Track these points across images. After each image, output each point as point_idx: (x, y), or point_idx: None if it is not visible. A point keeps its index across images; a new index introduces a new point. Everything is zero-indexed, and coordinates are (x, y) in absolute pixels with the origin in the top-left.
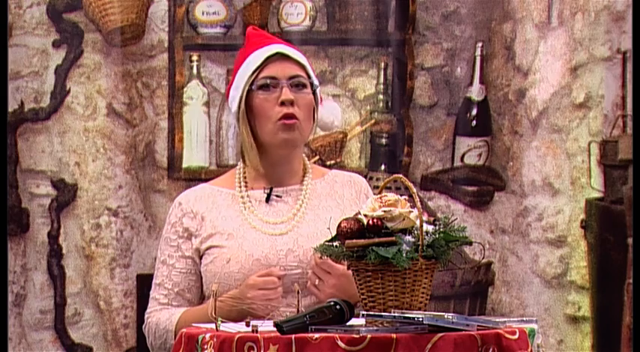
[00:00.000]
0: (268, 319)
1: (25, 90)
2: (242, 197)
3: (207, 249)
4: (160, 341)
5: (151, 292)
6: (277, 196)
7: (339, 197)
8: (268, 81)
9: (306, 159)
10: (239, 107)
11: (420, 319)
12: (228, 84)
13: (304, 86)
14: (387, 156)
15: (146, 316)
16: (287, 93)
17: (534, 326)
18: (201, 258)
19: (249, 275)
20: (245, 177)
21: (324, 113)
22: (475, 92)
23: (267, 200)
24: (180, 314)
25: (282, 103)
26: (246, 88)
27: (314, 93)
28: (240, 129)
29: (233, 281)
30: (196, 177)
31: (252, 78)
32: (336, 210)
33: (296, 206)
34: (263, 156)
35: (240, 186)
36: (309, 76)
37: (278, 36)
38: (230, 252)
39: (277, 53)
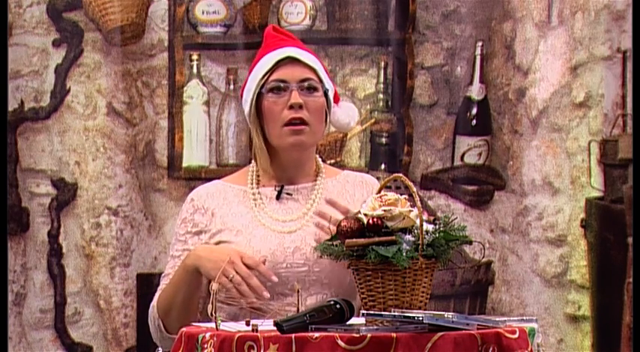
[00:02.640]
0: (268, 318)
1: (25, 90)
2: (253, 193)
3: (217, 244)
4: (151, 322)
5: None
6: (288, 194)
7: (350, 197)
8: (278, 84)
9: (319, 159)
10: (250, 109)
11: (420, 318)
12: (242, 85)
13: (315, 89)
14: (387, 156)
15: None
16: (296, 97)
17: (534, 325)
18: None
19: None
20: (257, 175)
21: (340, 114)
22: (475, 91)
23: (278, 197)
24: (161, 290)
25: (291, 107)
26: (257, 90)
27: (326, 96)
28: (251, 132)
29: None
30: (196, 176)
31: (263, 81)
32: None
33: (307, 205)
34: (274, 157)
35: (252, 183)
36: (320, 80)
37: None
38: (238, 248)
39: (288, 57)
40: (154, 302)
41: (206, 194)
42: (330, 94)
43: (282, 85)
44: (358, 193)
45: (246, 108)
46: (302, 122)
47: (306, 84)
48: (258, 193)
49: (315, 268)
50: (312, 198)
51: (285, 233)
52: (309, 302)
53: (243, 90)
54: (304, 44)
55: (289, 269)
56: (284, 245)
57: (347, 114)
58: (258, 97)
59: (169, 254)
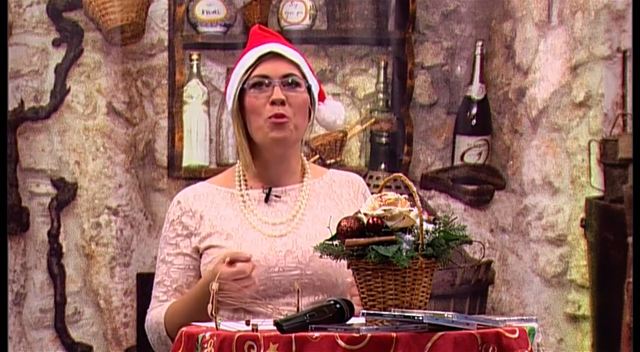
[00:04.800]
0: (267, 318)
1: (25, 89)
2: (242, 195)
3: (207, 248)
4: (155, 336)
5: (152, 291)
6: (276, 196)
7: (337, 197)
8: (261, 80)
9: (304, 158)
10: (232, 106)
11: (420, 318)
12: (226, 83)
13: (297, 85)
14: (387, 155)
15: (147, 315)
16: (278, 93)
17: (534, 325)
18: (200, 256)
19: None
20: (244, 176)
21: (326, 112)
22: (475, 91)
23: (267, 200)
24: (168, 305)
25: (273, 102)
26: (239, 86)
27: (309, 92)
28: (233, 128)
29: (232, 281)
30: (196, 176)
31: (245, 77)
32: (334, 210)
33: (295, 207)
34: (258, 155)
35: (239, 185)
36: (303, 75)
37: (279, 34)
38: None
39: (270, 52)
40: (159, 319)
41: (193, 196)
42: (314, 90)
43: (264, 80)
44: (345, 193)
45: (229, 104)
46: (284, 117)
47: (289, 79)
48: (247, 195)
49: (307, 271)
50: (299, 200)
51: (276, 236)
52: (303, 303)
53: (226, 88)
54: (301, 43)
55: (281, 273)
56: (276, 249)
57: (333, 112)
58: (241, 93)
59: (159, 258)
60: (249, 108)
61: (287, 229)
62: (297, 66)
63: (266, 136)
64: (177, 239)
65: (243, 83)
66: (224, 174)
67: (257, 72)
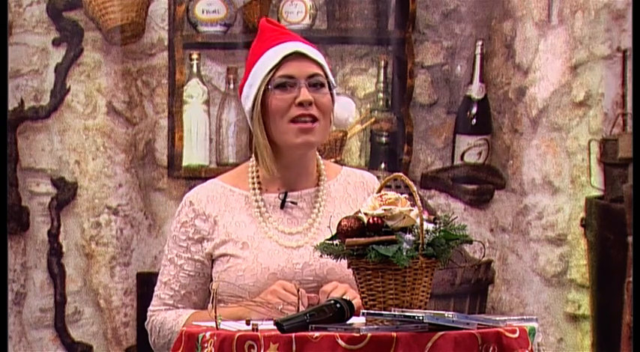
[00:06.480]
0: (268, 319)
1: (25, 89)
2: (256, 200)
3: (220, 256)
4: (163, 341)
5: (155, 288)
6: (292, 203)
7: (352, 201)
8: (286, 80)
9: (320, 159)
10: (253, 106)
11: (421, 317)
12: (242, 81)
13: (322, 85)
14: (387, 155)
15: (149, 313)
16: (305, 94)
17: (534, 324)
18: (212, 262)
19: (264, 289)
20: (258, 177)
21: (337, 109)
22: (475, 90)
23: (282, 206)
24: (187, 315)
25: (300, 104)
26: (262, 87)
27: (331, 92)
28: (255, 130)
29: (247, 294)
30: (196, 175)
31: (269, 77)
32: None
33: (312, 214)
34: (277, 157)
35: (254, 189)
36: (326, 75)
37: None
38: (245, 263)
39: (295, 52)
40: (175, 327)
41: (206, 198)
42: (334, 90)
43: (289, 81)
44: (360, 197)
45: (249, 104)
46: (312, 119)
47: (314, 80)
48: (262, 200)
49: (324, 283)
50: (316, 206)
51: (292, 248)
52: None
53: (242, 86)
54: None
55: (299, 286)
56: (292, 261)
57: (345, 109)
58: (264, 94)
59: (166, 256)
60: (273, 110)
61: (304, 240)
62: (321, 66)
63: (291, 140)
64: (188, 242)
65: (267, 83)
66: (236, 173)
67: (282, 72)
